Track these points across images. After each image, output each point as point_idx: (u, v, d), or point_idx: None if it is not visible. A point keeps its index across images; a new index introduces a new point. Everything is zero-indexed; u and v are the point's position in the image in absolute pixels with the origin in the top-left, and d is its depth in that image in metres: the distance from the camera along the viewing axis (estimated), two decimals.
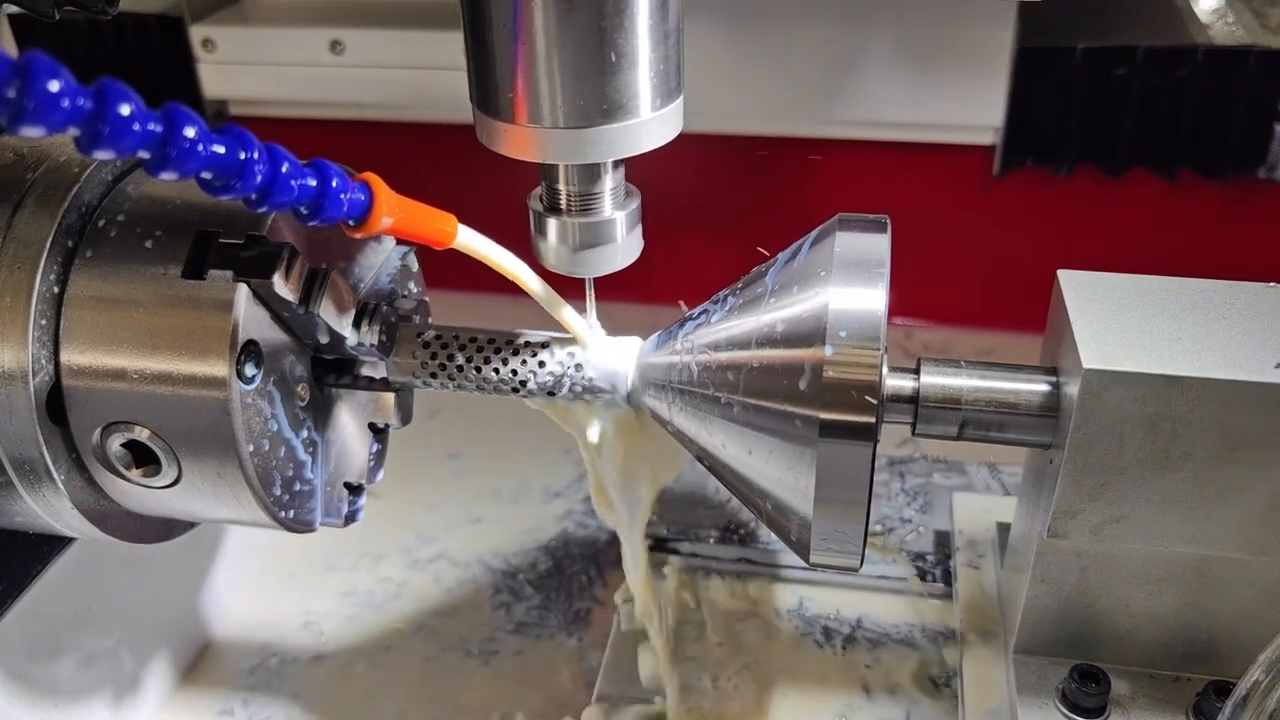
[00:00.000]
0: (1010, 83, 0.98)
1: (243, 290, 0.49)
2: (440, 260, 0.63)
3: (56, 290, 0.50)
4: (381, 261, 0.61)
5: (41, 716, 0.65)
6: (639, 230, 0.55)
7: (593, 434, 0.59)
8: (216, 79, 1.09)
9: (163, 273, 0.50)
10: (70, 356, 0.50)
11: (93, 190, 0.52)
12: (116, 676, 0.72)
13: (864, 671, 0.74)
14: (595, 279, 0.56)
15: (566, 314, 0.56)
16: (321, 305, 0.52)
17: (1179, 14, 1.03)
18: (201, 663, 0.79)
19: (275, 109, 1.12)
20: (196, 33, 1.07)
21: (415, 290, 0.64)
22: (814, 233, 0.54)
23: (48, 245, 0.50)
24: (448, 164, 1.10)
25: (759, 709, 0.72)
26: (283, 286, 0.50)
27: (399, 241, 0.62)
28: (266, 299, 0.51)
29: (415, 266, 0.63)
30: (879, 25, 0.97)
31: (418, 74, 1.04)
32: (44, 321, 0.50)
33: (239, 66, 1.08)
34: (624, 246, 0.54)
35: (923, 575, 0.79)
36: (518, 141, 0.48)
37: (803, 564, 0.54)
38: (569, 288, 0.56)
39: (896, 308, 0.50)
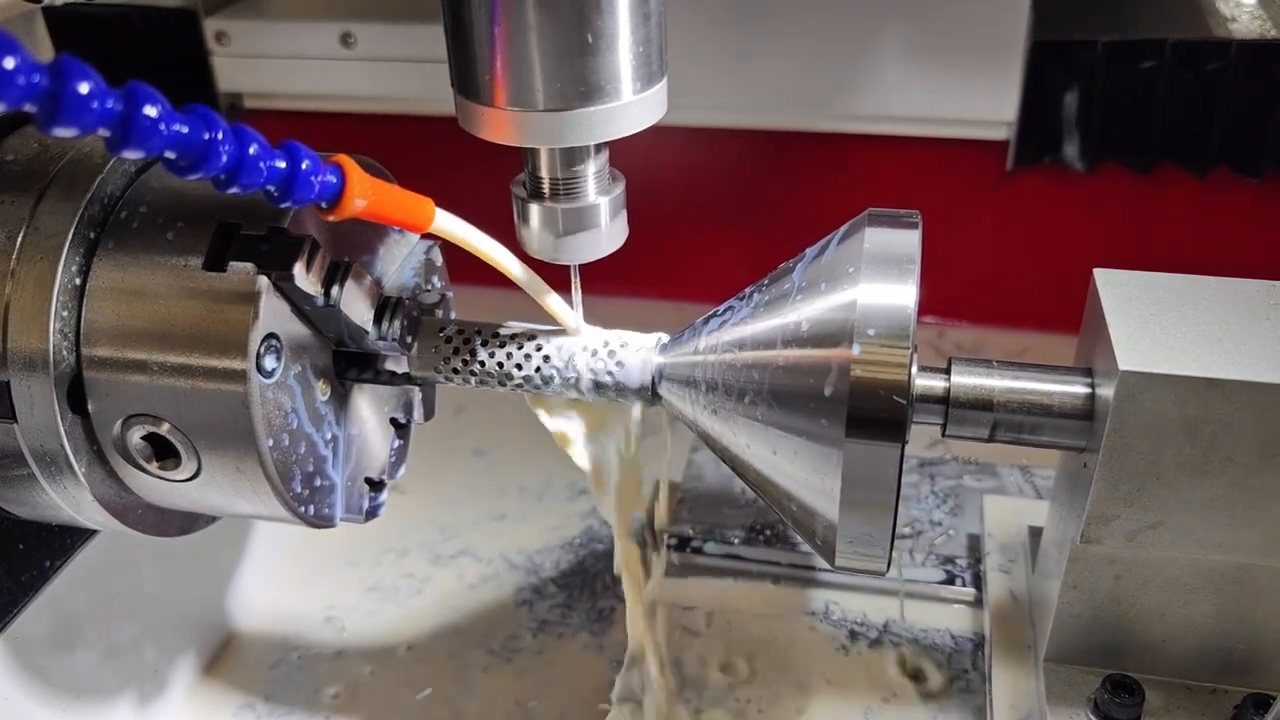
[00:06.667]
0: (1024, 77, 0.96)
1: (263, 283, 0.49)
2: (465, 256, 0.63)
3: (78, 281, 0.50)
4: (405, 255, 0.60)
5: (64, 709, 0.65)
6: (623, 216, 0.54)
7: (580, 455, 0.59)
8: (230, 72, 1.10)
9: (184, 264, 0.49)
10: (91, 348, 0.50)
11: (115, 181, 0.52)
12: (139, 670, 0.72)
13: (890, 677, 0.73)
14: (598, 274, 0.55)
15: (551, 301, 0.55)
16: (343, 298, 0.51)
17: (1199, 7, 1.00)
18: (224, 657, 0.79)
19: (288, 102, 1.12)
20: (210, 26, 1.07)
21: (439, 284, 0.63)
22: (843, 228, 0.53)
23: (70, 236, 0.49)
24: (460, 157, 1.10)
25: (784, 712, 0.71)
26: (304, 279, 0.49)
27: (423, 235, 0.61)
28: (287, 292, 0.50)
29: (439, 261, 0.63)
30: (889, 17, 0.96)
31: (429, 67, 1.03)
32: (65, 313, 0.49)
33: (252, 60, 1.08)
34: (608, 232, 0.53)
35: (952, 579, 0.78)
36: (497, 125, 0.48)
37: (830, 566, 0.53)
38: (561, 284, 0.56)
39: (923, 306, 0.48)
